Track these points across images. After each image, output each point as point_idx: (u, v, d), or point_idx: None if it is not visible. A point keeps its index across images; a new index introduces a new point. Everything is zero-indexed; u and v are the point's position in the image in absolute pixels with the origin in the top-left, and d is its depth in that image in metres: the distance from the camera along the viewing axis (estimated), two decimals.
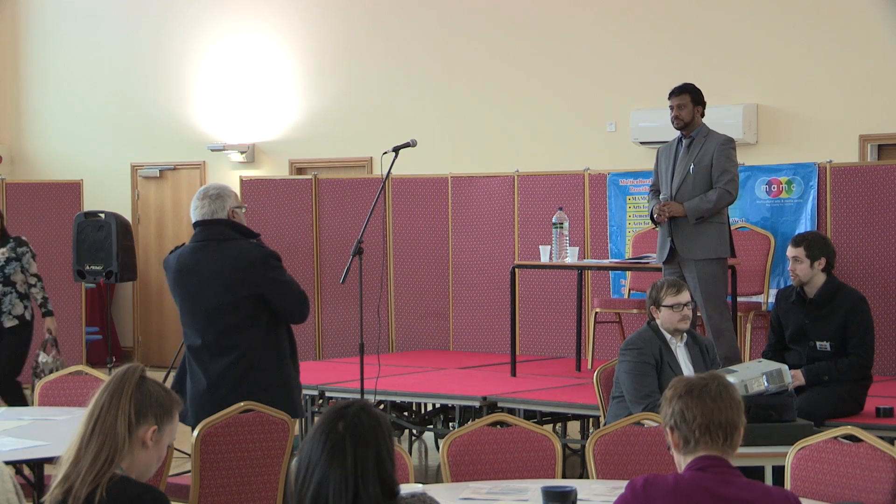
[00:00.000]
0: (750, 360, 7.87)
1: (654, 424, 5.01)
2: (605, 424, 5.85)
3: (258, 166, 13.51)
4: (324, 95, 13.12)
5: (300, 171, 13.24)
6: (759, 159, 10.15)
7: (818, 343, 6.92)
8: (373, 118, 12.73)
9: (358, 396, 6.80)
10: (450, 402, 8.52)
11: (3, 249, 8.80)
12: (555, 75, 11.76)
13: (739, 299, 8.64)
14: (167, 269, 5.83)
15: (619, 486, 3.42)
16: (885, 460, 4.52)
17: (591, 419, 8.16)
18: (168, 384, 3.59)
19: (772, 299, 8.69)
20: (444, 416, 9.02)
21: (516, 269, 9.32)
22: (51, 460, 4.93)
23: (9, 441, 5.24)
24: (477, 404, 8.04)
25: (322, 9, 13.12)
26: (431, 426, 9.19)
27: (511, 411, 7.65)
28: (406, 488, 3.02)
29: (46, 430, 5.51)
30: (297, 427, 5.74)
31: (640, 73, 11.23)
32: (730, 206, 8.00)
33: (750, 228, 9.35)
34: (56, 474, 3.33)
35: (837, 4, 10.50)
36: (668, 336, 6.26)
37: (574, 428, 9.19)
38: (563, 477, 5.17)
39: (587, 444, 4.99)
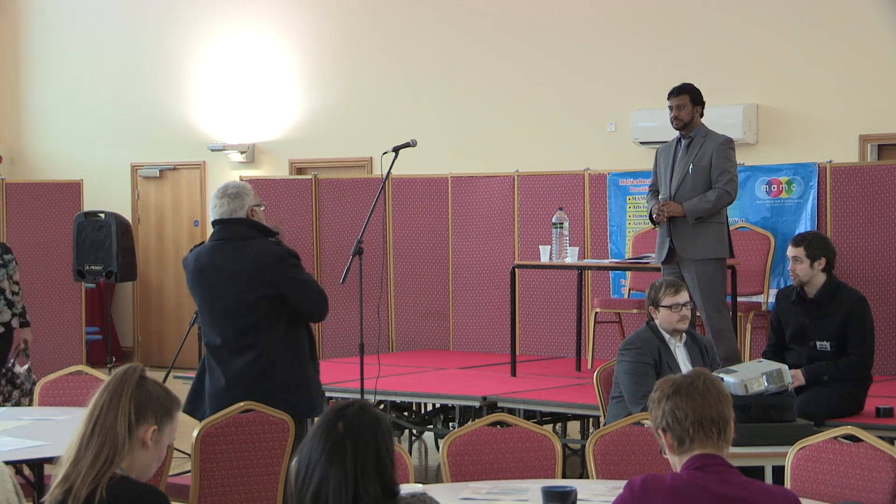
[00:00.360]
0: (750, 360, 7.87)
1: None
2: (605, 424, 5.85)
3: (258, 166, 13.51)
4: (324, 95, 13.13)
5: (300, 171, 13.24)
6: (759, 159, 10.15)
7: (818, 343, 6.92)
8: (373, 118, 12.73)
9: (358, 396, 6.80)
10: (450, 402, 8.52)
11: None
12: (555, 75, 11.76)
13: (739, 299, 8.64)
14: (186, 267, 5.80)
15: (619, 486, 3.41)
16: (885, 460, 4.52)
17: (591, 419, 8.16)
18: (168, 384, 3.59)
19: (772, 299, 8.69)
20: (444, 416, 9.03)
21: (516, 269, 9.32)
22: (51, 460, 4.93)
23: (9, 441, 5.24)
24: (477, 404, 8.04)
25: (322, 9, 13.12)
26: (431, 426, 9.19)
27: (511, 411, 7.65)
28: (406, 488, 3.02)
29: (46, 430, 5.50)
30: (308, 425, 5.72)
31: (640, 73, 11.23)
32: (729, 206, 8.01)
33: (750, 228, 9.35)
34: (56, 474, 3.33)
35: (837, 4, 10.50)
36: (667, 336, 6.27)
37: (574, 428, 9.19)
38: (563, 477, 5.17)
39: (587, 444, 4.99)
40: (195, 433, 5.26)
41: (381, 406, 8.51)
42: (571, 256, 8.92)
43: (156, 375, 3.56)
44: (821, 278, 6.96)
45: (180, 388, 8.78)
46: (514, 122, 11.97)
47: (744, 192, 9.37)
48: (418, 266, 10.89)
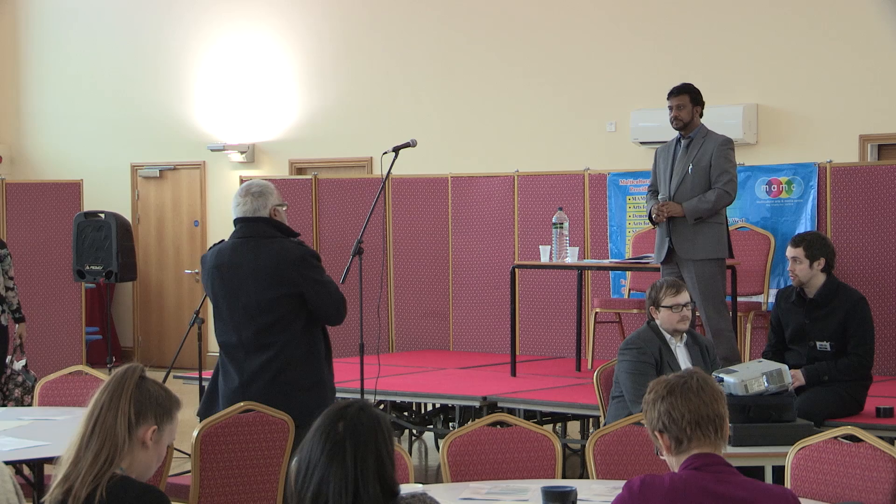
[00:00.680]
0: (750, 360, 7.88)
1: None
2: (605, 424, 5.85)
3: (258, 166, 13.51)
4: (324, 95, 13.13)
5: (300, 171, 13.24)
6: (759, 159, 10.15)
7: (818, 343, 6.92)
8: (373, 118, 12.74)
9: (358, 396, 6.80)
10: (450, 402, 8.53)
11: None
12: (555, 75, 11.76)
13: (739, 299, 8.64)
14: (204, 264, 5.78)
15: (619, 486, 3.41)
16: (885, 460, 4.52)
17: (591, 419, 8.16)
18: (168, 384, 3.59)
19: (772, 299, 8.69)
20: (444, 416, 9.03)
21: (516, 269, 9.32)
22: (51, 460, 4.94)
23: (9, 441, 5.24)
24: (477, 404, 8.04)
25: (322, 9, 13.12)
26: (431, 426, 9.19)
27: (511, 411, 7.65)
28: (406, 488, 3.02)
29: (46, 430, 5.51)
30: None
31: (640, 73, 11.23)
32: (729, 206, 8.00)
33: (750, 228, 9.35)
34: (56, 474, 3.33)
35: (837, 4, 10.50)
36: (667, 336, 6.27)
37: (574, 428, 9.20)
38: (563, 477, 5.17)
39: (587, 444, 4.99)
40: (195, 433, 5.26)
41: (381, 406, 8.51)
42: (571, 256, 8.92)
43: (156, 375, 3.56)
44: (820, 278, 6.96)
45: (180, 388, 8.80)
46: (514, 122, 11.97)
47: (744, 192, 9.37)
48: (418, 266, 10.89)
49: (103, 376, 6.34)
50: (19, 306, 8.55)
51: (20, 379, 8.20)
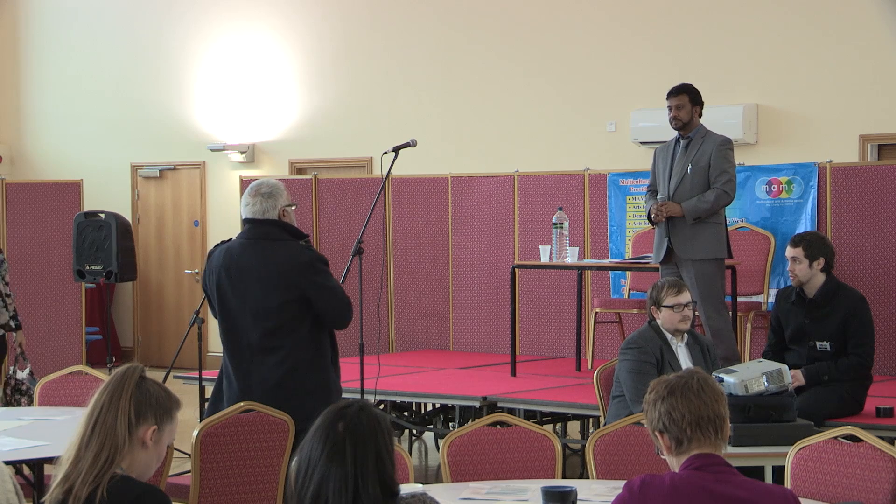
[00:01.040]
0: (750, 360, 7.88)
1: None
2: (605, 424, 5.85)
3: (258, 166, 13.51)
4: (324, 95, 13.13)
5: (300, 171, 13.24)
6: (759, 159, 10.15)
7: (818, 343, 6.92)
8: (373, 118, 12.74)
9: (358, 396, 6.80)
10: (450, 402, 8.52)
11: None
12: (555, 75, 11.76)
13: (739, 299, 8.64)
14: (209, 262, 5.74)
15: (619, 486, 3.41)
16: (885, 460, 4.52)
17: (591, 419, 8.16)
18: (168, 384, 3.59)
19: (772, 299, 8.69)
20: (444, 416, 9.03)
21: (516, 269, 9.32)
22: (51, 460, 4.94)
23: (9, 441, 5.24)
24: (477, 404, 8.04)
25: (322, 9, 13.12)
26: (431, 426, 9.19)
27: (511, 411, 7.65)
28: (406, 488, 3.02)
29: (46, 430, 5.50)
30: None
31: (640, 73, 11.23)
32: (729, 207, 8.00)
33: (750, 228, 9.35)
34: (56, 474, 3.33)
35: (837, 4, 10.50)
36: (668, 336, 6.27)
37: (574, 428, 9.20)
38: (563, 477, 5.17)
39: (587, 444, 4.99)
40: (195, 433, 5.26)
41: (381, 406, 8.51)
42: (571, 256, 8.92)
43: (156, 375, 3.56)
44: (820, 278, 6.97)
45: (180, 388, 8.80)
46: (514, 122, 11.97)
47: (744, 192, 9.37)
48: (418, 266, 10.89)
49: (103, 376, 6.33)
50: (16, 313, 8.25)
51: (25, 387, 8.03)
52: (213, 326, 11.48)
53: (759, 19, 10.81)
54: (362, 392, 7.19)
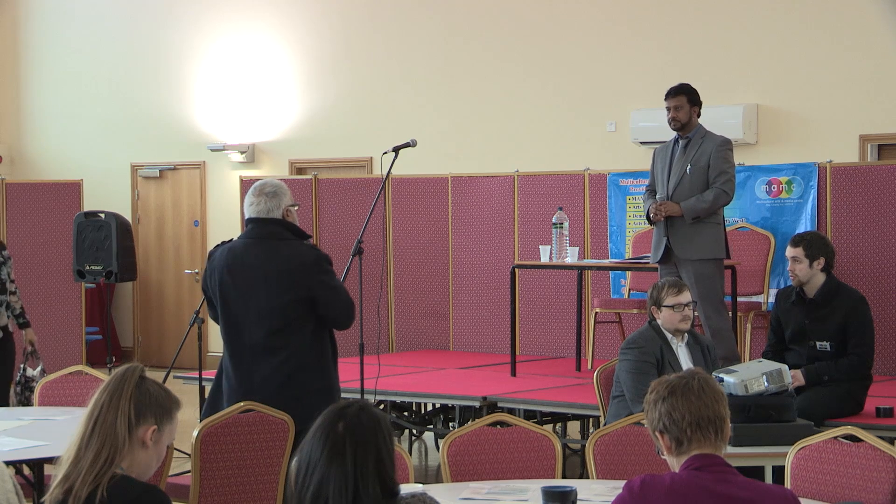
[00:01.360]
0: (750, 360, 7.88)
1: None
2: (605, 424, 5.85)
3: (258, 166, 13.51)
4: (324, 95, 13.13)
5: (300, 171, 13.24)
6: (759, 159, 10.15)
7: (818, 343, 6.92)
8: (373, 118, 12.74)
9: (358, 396, 6.80)
10: (450, 402, 8.53)
11: None
12: (555, 75, 11.76)
13: (739, 299, 8.64)
14: (212, 263, 5.72)
15: (619, 486, 3.41)
16: (885, 460, 4.52)
17: (591, 419, 8.16)
18: (168, 384, 3.59)
19: (772, 299, 8.69)
20: (444, 416, 9.03)
21: (516, 269, 9.32)
22: (51, 460, 4.94)
23: (9, 441, 5.24)
24: (477, 404, 8.04)
25: (322, 9, 13.12)
26: (431, 426, 9.19)
27: (511, 411, 7.65)
28: (406, 488, 3.02)
29: (46, 430, 5.50)
30: None
31: (640, 73, 11.23)
32: (730, 207, 8.00)
33: (750, 228, 9.35)
34: (56, 474, 3.33)
35: (837, 4, 10.50)
36: (669, 336, 6.27)
37: (574, 428, 9.19)
38: (563, 477, 5.17)
39: (587, 444, 4.99)
40: (195, 433, 5.26)
41: (381, 406, 8.51)
42: (571, 256, 8.92)
43: (156, 375, 3.56)
44: (820, 278, 6.97)
45: (180, 388, 8.80)
46: (514, 122, 11.97)
47: (744, 192, 9.37)
48: (418, 266, 10.89)
49: (103, 376, 6.33)
50: (23, 311, 8.15)
51: (34, 385, 7.92)
52: (213, 326, 11.49)
53: (759, 19, 10.81)
54: (362, 392, 7.19)
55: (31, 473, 5.33)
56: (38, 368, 7.97)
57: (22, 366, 8.02)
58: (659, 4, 11.29)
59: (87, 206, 11.85)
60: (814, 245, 6.96)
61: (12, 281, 8.06)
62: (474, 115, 12.20)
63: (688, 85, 7.91)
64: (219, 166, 13.75)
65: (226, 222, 13.01)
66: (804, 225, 9.16)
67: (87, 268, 10.91)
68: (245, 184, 11.30)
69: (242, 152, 13.52)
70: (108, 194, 13.64)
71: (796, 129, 10.63)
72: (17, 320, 8.09)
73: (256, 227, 5.66)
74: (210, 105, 13.78)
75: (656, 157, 8.02)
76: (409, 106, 12.53)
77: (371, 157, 12.70)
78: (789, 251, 7.03)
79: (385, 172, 7.61)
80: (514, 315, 9.11)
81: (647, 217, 7.92)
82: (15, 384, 7.99)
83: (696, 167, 7.74)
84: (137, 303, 14.24)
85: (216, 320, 5.77)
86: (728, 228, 8.54)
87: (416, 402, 9.07)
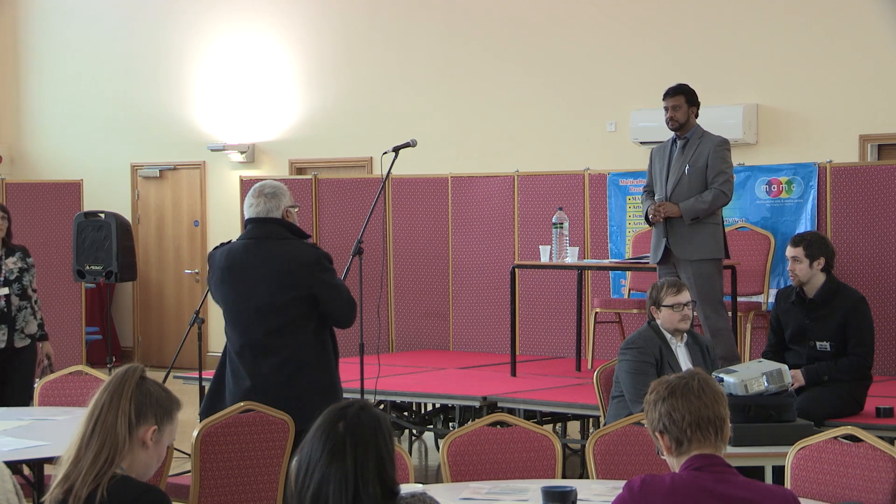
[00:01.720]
0: (750, 360, 7.88)
1: None
2: (605, 424, 5.85)
3: (258, 166, 13.51)
4: (324, 95, 13.13)
5: (300, 171, 13.24)
6: (759, 159, 10.15)
7: (818, 343, 6.92)
8: (373, 118, 12.74)
9: (358, 396, 6.80)
10: (450, 402, 8.53)
11: (13, 259, 7.81)
12: (555, 75, 11.76)
13: (739, 299, 8.64)
14: (212, 264, 5.73)
15: (619, 486, 3.41)
16: (885, 460, 4.52)
17: (591, 419, 8.16)
18: (168, 384, 3.59)
19: (772, 299, 8.69)
20: (444, 416, 9.03)
21: (516, 269, 9.32)
22: (51, 460, 4.94)
23: (9, 441, 5.24)
24: (477, 404, 8.04)
25: (322, 9, 13.12)
26: (431, 426, 9.19)
27: (511, 411, 7.65)
28: (406, 488, 3.02)
29: (46, 430, 5.51)
30: None
31: (640, 73, 11.23)
32: (729, 207, 7.99)
33: (750, 228, 9.35)
34: (56, 474, 3.33)
35: (837, 4, 10.50)
36: (668, 336, 6.27)
37: (574, 428, 9.20)
38: (563, 477, 5.17)
39: (587, 444, 4.99)
40: (195, 433, 5.26)
41: (381, 406, 8.51)
42: (571, 256, 8.92)
43: (156, 375, 3.56)
44: (820, 278, 6.97)
45: (180, 388, 8.80)
46: (514, 122, 11.97)
47: (744, 192, 9.37)
48: (418, 266, 10.89)
49: (103, 376, 6.33)
50: (42, 322, 7.85)
51: None
52: (213, 326, 11.51)
53: (759, 19, 10.81)
54: (362, 392, 7.19)
55: (32, 473, 5.33)
56: None
57: (37, 381, 7.69)
58: (659, 4, 11.29)
59: (87, 206, 11.85)
60: (814, 245, 6.96)
61: (34, 290, 7.86)
62: (474, 115, 12.20)
63: (686, 85, 7.91)
64: (219, 166, 13.75)
65: (226, 222, 13.01)
66: (804, 225, 9.16)
67: (87, 268, 10.91)
68: (245, 184, 11.30)
69: (242, 152, 13.52)
70: (108, 194, 13.64)
71: (796, 129, 10.63)
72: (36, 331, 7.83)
73: (256, 228, 5.66)
74: (210, 105, 13.78)
75: (654, 158, 8.02)
76: (409, 106, 12.53)
77: (371, 157, 12.69)
78: (789, 251, 7.03)
79: (385, 172, 7.61)
80: (514, 315, 9.11)
81: (646, 218, 7.92)
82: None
83: (695, 167, 7.74)
84: (137, 303, 14.24)
85: None
86: (728, 228, 8.54)
87: (416, 402, 9.07)
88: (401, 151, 7.55)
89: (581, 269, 9.49)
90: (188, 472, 5.55)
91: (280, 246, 5.60)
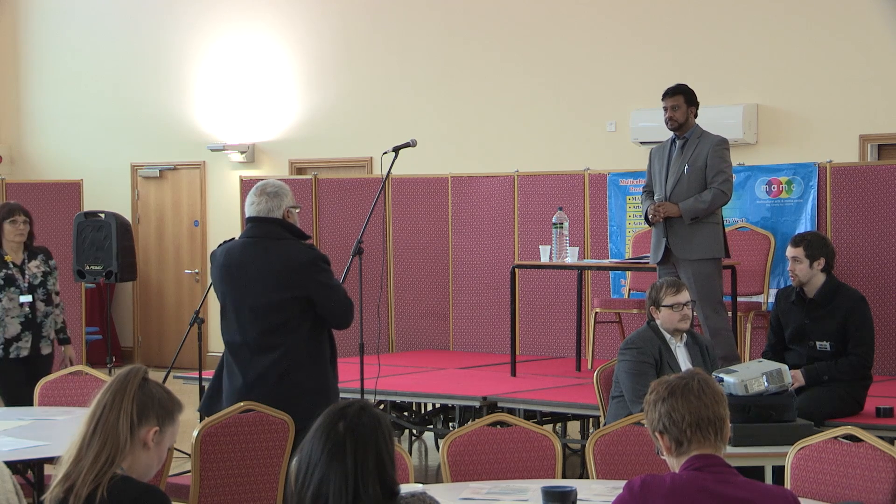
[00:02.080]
0: (750, 360, 7.88)
1: None
2: (605, 424, 5.85)
3: (258, 166, 13.51)
4: (324, 95, 13.13)
5: (300, 171, 13.24)
6: (759, 159, 10.15)
7: (818, 343, 6.92)
8: (373, 118, 12.74)
9: (358, 396, 6.80)
10: (450, 402, 8.53)
11: (36, 262, 7.69)
12: (555, 75, 11.76)
13: (739, 299, 8.64)
14: (213, 262, 5.76)
15: (619, 486, 3.41)
16: (885, 460, 4.52)
17: (591, 419, 8.16)
18: (168, 384, 3.59)
19: (772, 299, 8.69)
20: (444, 416, 9.03)
21: (516, 269, 9.31)
22: (51, 460, 4.94)
23: (9, 441, 5.24)
24: (477, 404, 8.04)
25: (322, 9, 13.12)
26: (431, 426, 9.19)
27: (511, 411, 7.65)
28: (406, 488, 3.02)
29: (46, 430, 5.51)
30: None
31: (640, 73, 11.23)
32: (729, 206, 7.99)
33: (750, 228, 9.35)
34: (56, 473, 3.33)
35: (837, 4, 10.50)
36: (667, 336, 6.27)
37: (574, 428, 9.20)
38: (563, 477, 5.17)
39: (587, 444, 4.99)
40: (195, 433, 5.26)
41: (381, 406, 8.51)
42: (571, 256, 8.92)
43: (156, 375, 3.56)
44: (820, 278, 6.97)
45: (180, 388, 8.81)
46: (514, 122, 11.97)
47: (744, 192, 9.37)
48: (418, 266, 10.89)
49: (103, 376, 6.34)
50: (65, 325, 7.81)
51: None
52: (213, 326, 11.49)
53: (759, 19, 10.80)
54: (362, 392, 7.19)
55: (32, 473, 5.33)
56: None
57: None
58: (659, 4, 11.29)
59: (87, 206, 11.85)
60: (814, 245, 6.96)
61: (57, 293, 7.79)
62: (474, 115, 12.20)
63: (685, 85, 7.91)
64: (219, 166, 13.75)
65: (226, 222, 13.01)
66: (804, 225, 9.16)
67: (87, 268, 10.91)
68: (245, 184, 11.30)
69: (242, 152, 13.52)
70: (108, 194, 13.63)
71: (796, 129, 10.63)
72: (57, 335, 7.78)
73: (255, 227, 5.68)
74: (210, 105, 13.78)
75: (653, 158, 8.03)
76: (409, 106, 12.53)
77: (371, 157, 12.69)
78: (790, 251, 7.03)
79: (385, 172, 7.61)
80: (514, 315, 9.11)
81: (646, 218, 7.92)
82: None
83: (694, 167, 7.74)
84: (137, 303, 14.24)
85: None
86: (728, 228, 8.54)
87: (416, 402, 9.07)
88: (401, 151, 7.55)
89: (581, 269, 9.49)
90: (188, 472, 5.55)
91: (277, 246, 5.61)
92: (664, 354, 6.21)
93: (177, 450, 6.93)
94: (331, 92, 13.07)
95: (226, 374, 5.71)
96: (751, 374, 5.93)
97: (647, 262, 8.38)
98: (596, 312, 9.36)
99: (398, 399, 8.57)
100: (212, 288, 5.88)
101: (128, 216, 13.24)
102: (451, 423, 8.80)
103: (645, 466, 4.78)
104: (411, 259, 10.90)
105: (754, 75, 10.81)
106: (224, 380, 5.72)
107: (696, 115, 7.86)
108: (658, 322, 6.30)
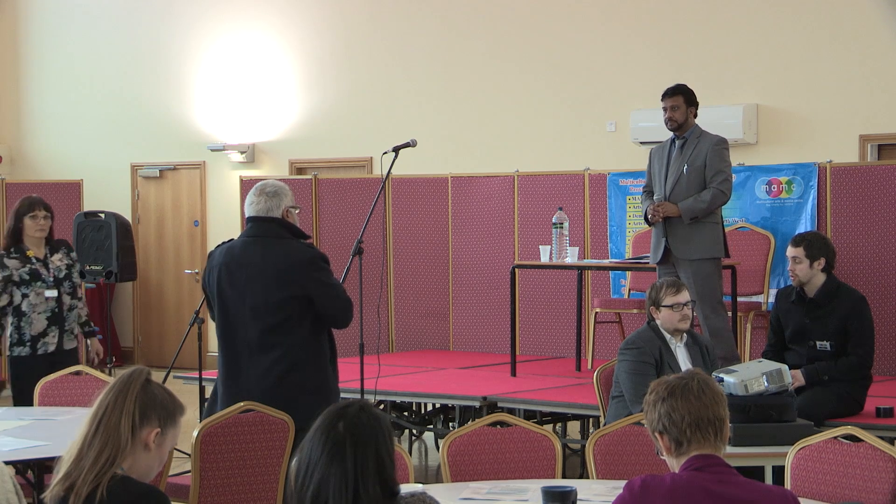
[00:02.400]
0: (750, 360, 7.88)
1: None
2: (605, 424, 5.85)
3: (258, 166, 13.51)
4: (324, 95, 13.13)
5: (300, 171, 13.24)
6: (759, 159, 10.15)
7: (818, 343, 6.92)
8: (373, 118, 12.74)
9: (358, 396, 6.80)
10: (450, 402, 8.53)
11: (59, 255, 7.55)
12: (555, 75, 11.76)
13: (739, 299, 8.64)
14: (212, 262, 5.74)
15: (619, 486, 3.42)
16: (885, 460, 4.52)
17: (591, 419, 8.16)
18: (168, 384, 3.59)
19: (772, 299, 8.69)
20: (444, 416, 9.03)
21: (516, 269, 9.32)
22: (51, 460, 4.93)
23: (9, 441, 5.24)
24: (477, 404, 8.04)
25: (322, 9, 13.12)
26: (431, 426, 9.19)
27: (511, 411, 7.65)
28: (406, 488, 3.03)
29: (46, 430, 5.51)
30: None
31: (640, 73, 11.23)
32: (729, 206, 7.99)
33: (750, 228, 9.35)
34: (57, 472, 3.33)
35: (837, 4, 10.50)
36: (667, 336, 6.27)
37: (574, 428, 9.20)
38: (563, 477, 5.17)
39: (587, 444, 4.99)
40: (195, 433, 5.26)
41: (381, 406, 8.51)
42: (571, 256, 8.92)
43: (156, 375, 3.56)
44: (820, 278, 6.97)
45: (180, 388, 8.80)
46: (514, 122, 11.97)
47: (744, 192, 9.37)
48: (418, 266, 10.89)
49: (103, 376, 6.35)
50: (88, 318, 7.69)
51: None
52: (212, 326, 11.48)
53: (759, 19, 10.81)
54: (362, 392, 7.19)
55: (32, 473, 5.33)
56: None
57: None
58: (659, 4, 11.29)
59: (87, 206, 11.85)
60: (814, 245, 6.96)
61: (80, 285, 7.68)
62: (474, 115, 12.20)
63: (684, 85, 7.91)
64: (219, 166, 13.75)
65: (226, 222, 13.00)
66: (804, 225, 9.16)
67: (87, 268, 10.90)
68: (245, 184, 11.30)
69: (242, 152, 13.52)
70: (108, 194, 13.63)
71: (796, 129, 10.63)
72: (82, 328, 7.67)
73: (255, 226, 5.68)
74: (210, 105, 13.78)
75: (653, 158, 8.03)
76: (409, 106, 12.53)
77: (371, 157, 12.69)
78: (790, 251, 7.03)
79: (385, 172, 7.61)
80: (514, 315, 9.11)
81: (646, 218, 7.93)
82: None
83: (693, 167, 7.74)
84: (137, 303, 14.24)
85: (215, 319, 5.78)
86: (728, 228, 8.54)
87: (416, 402, 9.07)
88: (401, 151, 7.55)
89: (581, 269, 9.49)
90: (188, 472, 5.55)
91: (276, 245, 5.61)
92: (664, 354, 6.21)
93: (177, 450, 6.93)
94: (331, 92, 13.07)
95: (225, 375, 5.70)
96: (751, 374, 5.93)
97: (647, 262, 8.38)
98: (596, 312, 9.36)
99: (398, 399, 8.57)
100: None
101: (128, 216, 13.24)
102: (451, 423, 8.80)
103: (645, 466, 4.78)
104: (411, 259, 10.90)
105: (754, 75, 10.81)
106: (221, 380, 5.71)
107: (695, 115, 7.87)
108: (658, 322, 6.30)
